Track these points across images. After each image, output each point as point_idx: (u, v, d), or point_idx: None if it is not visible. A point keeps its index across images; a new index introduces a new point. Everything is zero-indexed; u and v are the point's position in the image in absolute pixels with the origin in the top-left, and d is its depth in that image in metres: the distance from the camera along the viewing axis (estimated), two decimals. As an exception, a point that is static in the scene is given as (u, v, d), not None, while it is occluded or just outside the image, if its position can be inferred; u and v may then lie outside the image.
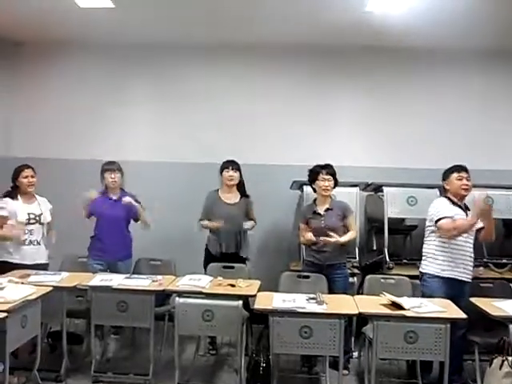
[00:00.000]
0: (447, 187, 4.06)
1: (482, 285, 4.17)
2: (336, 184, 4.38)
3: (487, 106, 5.53)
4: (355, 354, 4.44)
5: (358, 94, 5.58)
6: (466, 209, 4.01)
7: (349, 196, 4.64)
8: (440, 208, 3.98)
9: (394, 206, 4.54)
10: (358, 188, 4.91)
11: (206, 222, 4.60)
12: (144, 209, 4.59)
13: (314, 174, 4.38)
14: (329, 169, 4.35)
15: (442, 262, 3.95)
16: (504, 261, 4.74)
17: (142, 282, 3.98)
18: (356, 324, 4.29)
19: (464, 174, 4.00)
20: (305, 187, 4.85)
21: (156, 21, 4.94)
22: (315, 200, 4.43)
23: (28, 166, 4.47)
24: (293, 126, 5.60)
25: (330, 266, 4.25)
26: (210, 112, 5.65)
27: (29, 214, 4.37)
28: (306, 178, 4.56)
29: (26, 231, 4.31)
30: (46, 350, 4.15)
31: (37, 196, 4.50)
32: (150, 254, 4.77)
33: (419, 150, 5.32)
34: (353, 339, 4.40)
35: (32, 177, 4.43)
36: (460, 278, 3.91)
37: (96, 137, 5.69)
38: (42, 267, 4.34)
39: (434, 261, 3.98)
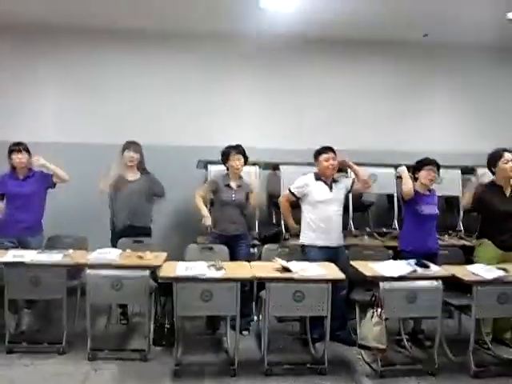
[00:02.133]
0: (317, 166, 4.60)
1: (364, 252, 4.77)
2: (246, 162, 4.81)
3: (379, 93, 6.22)
4: (255, 318, 4.88)
5: (259, 82, 6.06)
6: (332, 182, 4.58)
7: (249, 174, 5.06)
8: (296, 182, 4.64)
9: (290, 183, 4.95)
10: (257, 166, 5.37)
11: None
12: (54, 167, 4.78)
13: (226, 154, 4.78)
14: (239, 149, 4.77)
15: (306, 231, 4.57)
16: (384, 230, 5.37)
17: (54, 257, 4.20)
18: (257, 291, 4.70)
19: (330, 155, 4.53)
20: (209, 166, 5.25)
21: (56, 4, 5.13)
22: (227, 174, 4.82)
23: None
24: (199, 110, 5.98)
25: (235, 237, 4.70)
26: (121, 95, 5.92)
27: None
28: (210, 158, 4.96)
29: None
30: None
31: None
32: (63, 231, 4.96)
33: (312, 133, 5.79)
34: (253, 305, 4.86)
35: None
36: (327, 245, 4.48)
37: (6, 118, 5.75)
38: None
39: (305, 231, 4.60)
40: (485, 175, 4.76)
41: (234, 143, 4.82)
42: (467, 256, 4.74)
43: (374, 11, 5.10)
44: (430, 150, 5.46)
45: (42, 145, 5.13)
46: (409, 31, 5.69)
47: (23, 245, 4.61)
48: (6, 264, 4.11)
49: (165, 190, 5.01)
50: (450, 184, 5.46)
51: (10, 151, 4.70)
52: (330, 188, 4.55)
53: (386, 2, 4.89)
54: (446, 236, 5.41)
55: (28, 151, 4.74)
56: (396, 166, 5.34)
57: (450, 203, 5.63)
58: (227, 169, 4.83)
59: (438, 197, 4.72)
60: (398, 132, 6.17)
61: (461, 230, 5.48)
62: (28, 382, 3.74)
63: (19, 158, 4.68)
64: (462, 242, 5.31)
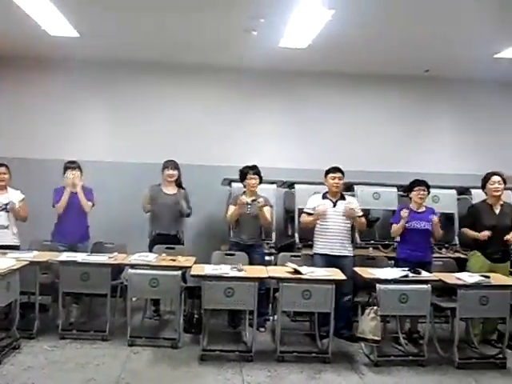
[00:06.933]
0: (325, 183, 5.31)
1: (368, 261, 5.42)
2: (261, 181, 5.51)
3: (385, 122, 6.98)
4: (271, 318, 5.51)
5: (278, 111, 6.92)
6: (339, 199, 5.25)
7: (268, 191, 5.79)
8: (308, 203, 5.32)
9: (303, 199, 5.63)
10: (275, 185, 6.10)
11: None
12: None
13: (244, 173, 5.48)
14: (255, 169, 5.46)
15: (316, 242, 5.28)
16: (387, 242, 6.00)
17: (100, 258, 4.99)
18: (273, 293, 5.33)
19: (337, 174, 5.23)
20: (233, 183, 5.98)
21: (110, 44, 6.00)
22: (244, 192, 5.50)
23: (2, 165, 5.37)
24: (224, 133, 6.79)
25: (250, 246, 5.39)
26: (157, 120, 6.74)
27: None
28: (233, 176, 5.70)
29: None
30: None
31: (9, 188, 5.39)
32: (105, 239, 5.67)
33: (322, 155, 6.48)
34: (270, 306, 5.50)
35: (4, 173, 5.34)
36: (330, 253, 5.16)
37: (61, 140, 6.61)
38: (13, 248, 5.18)
39: (314, 242, 5.30)
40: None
41: (254, 164, 5.52)
42: (463, 268, 5.32)
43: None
44: (430, 172, 6.19)
45: (91, 163, 5.95)
46: (412, 67, 6.44)
47: (73, 249, 5.28)
48: (62, 262, 4.89)
49: (191, 209, 5.69)
50: (446, 202, 6.11)
51: (66, 168, 5.46)
52: (334, 204, 5.23)
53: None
54: (444, 249, 6.02)
55: (80, 169, 5.51)
56: (398, 186, 6.08)
57: (446, 220, 6.23)
58: (244, 186, 5.51)
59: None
60: (401, 155, 6.88)
61: (456, 244, 6.08)
62: (79, 360, 4.46)
63: (73, 174, 5.43)
64: (458, 254, 5.91)
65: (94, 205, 5.57)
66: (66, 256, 4.98)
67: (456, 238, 6.12)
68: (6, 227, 5.30)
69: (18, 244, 5.37)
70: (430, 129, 7.04)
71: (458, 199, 6.25)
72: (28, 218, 5.42)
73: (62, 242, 5.41)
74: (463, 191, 6.29)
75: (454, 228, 6.15)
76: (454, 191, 6.25)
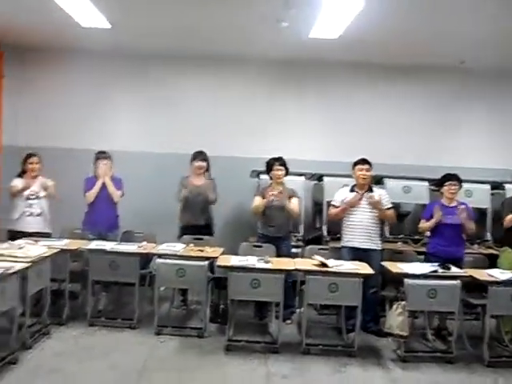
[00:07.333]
0: (353, 175, 5.26)
1: (396, 255, 5.35)
2: (287, 173, 5.49)
3: (416, 114, 6.87)
4: (298, 310, 5.48)
5: (307, 102, 6.84)
6: (367, 191, 5.15)
7: (296, 183, 5.76)
8: (335, 195, 5.26)
9: (332, 192, 5.57)
10: (303, 177, 6.06)
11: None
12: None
13: (270, 165, 5.47)
14: (281, 161, 5.45)
15: (344, 235, 5.22)
16: (417, 237, 5.88)
17: (129, 247, 5.05)
18: (300, 286, 5.33)
19: (364, 166, 5.15)
20: (261, 175, 5.96)
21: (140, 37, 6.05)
22: (271, 184, 5.49)
23: (34, 155, 5.48)
24: (253, 125, 6.76)
25: (278, 238, 5.37)
26: (186, 111, 6.79)
27: (30, 190, 5.35)
28: (262, 168, 5.68)
29: (27, 205, 5.33)
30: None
31: (40, 178, 5.48)
32: (135, 229, 5.76)
33: (352, 147, 6.31)
34: (297, 298, 5.48)
35: (37, 163, 5.45)
36: (357, 246, 5.10)
37: (91, 130, 6.70)
38: (45, 235, 5.31)
39: (342, 234, 5.24)
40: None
41: (284, 156, 5.50)
42: (495, 264, 5.19)
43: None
44: (462, 166, 6.06)
45: (120, 153, 6.00)
46: (447, 58, 6.29)
47: (103, 238, 5.36)
48: (91, 250, 4.99)
49: (217, 198, 5.65)
50: (479, 197, 5.98)
51: (96, 158, 5.56)
52: (361, 197, 5.17)
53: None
54: (476, 245, 5.89)
55: (111, 159, 5.58)
56: (429, 180, 5.96)
57: (479, 215, 6.08)
58: (270, 178, 5.49)
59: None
60: (433, 148, 6.75)
61: (488, 240, 5.95)
62: (107, 346, 4.55)
63: (104, 164, 5.52)
64: (490, 251, 5.77)
65: (123, 194, 5.64)
66: (95, 244, 5.07)
67: (488, 233, 5.98)
68: (39, 215, 5.42)
69: (50, 232, 5.49)
70: (463, 122, 6.88)
71: (492, 194, 6.11)
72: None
73: (92, 230, 5.49)
74: (497, 186, 6.15)
75: (486, 223, 6.01)
76: (487, 186, 6.12)
